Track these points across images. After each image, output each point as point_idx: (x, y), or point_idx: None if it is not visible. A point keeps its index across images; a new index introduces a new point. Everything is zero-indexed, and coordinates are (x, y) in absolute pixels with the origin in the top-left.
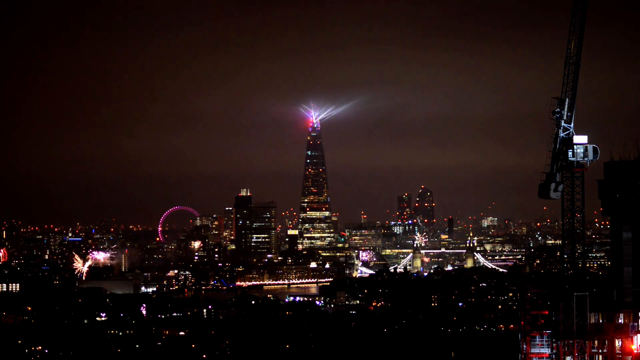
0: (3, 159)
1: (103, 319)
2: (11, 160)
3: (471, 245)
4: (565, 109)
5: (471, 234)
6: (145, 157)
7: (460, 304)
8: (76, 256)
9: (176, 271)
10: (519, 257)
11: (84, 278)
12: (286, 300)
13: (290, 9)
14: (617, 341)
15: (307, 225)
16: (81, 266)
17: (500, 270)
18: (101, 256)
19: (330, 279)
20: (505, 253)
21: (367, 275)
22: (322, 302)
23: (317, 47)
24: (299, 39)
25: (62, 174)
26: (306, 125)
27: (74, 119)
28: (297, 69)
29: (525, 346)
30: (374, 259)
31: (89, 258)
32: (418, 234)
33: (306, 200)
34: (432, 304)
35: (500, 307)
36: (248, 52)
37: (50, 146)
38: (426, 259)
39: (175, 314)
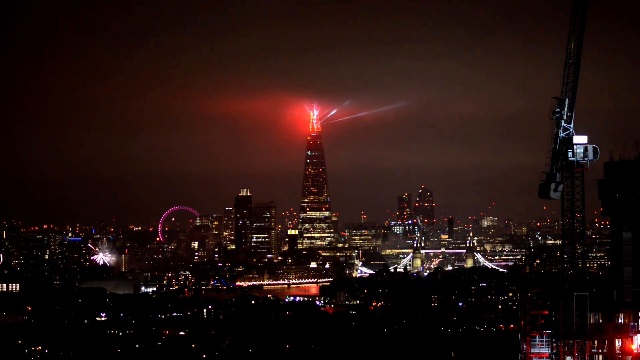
0: (4, 159)
1: (103, 319)
2: (12, 160)
3: (471, 245)
4: (565, 109)
5: (471, 234)
6: (146, 157)
7: (460, 304)
8: None
9: (176, 271)
10: (519, 257)
11: None
12: (286, 300)
13: (292, 10)
14: (617, 341)
15: (307, 225)
16: None
17: (500, 270)
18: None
19: (330, 279)
20: (505, 253)
21: (367, 275)
22: (322, 302)
23: (316, 49)
24: (300, 39)
25: (62, 174)
26: (306, 125)
27: (74, 120)
28: (298, 69)
29: (525, 346)
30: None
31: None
32: (418, 233)
33: (306, 200)
34: (432, 304)
35: (500, 307)
36: (249, 53)
37: (50, 146)
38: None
39: (175, 314)
